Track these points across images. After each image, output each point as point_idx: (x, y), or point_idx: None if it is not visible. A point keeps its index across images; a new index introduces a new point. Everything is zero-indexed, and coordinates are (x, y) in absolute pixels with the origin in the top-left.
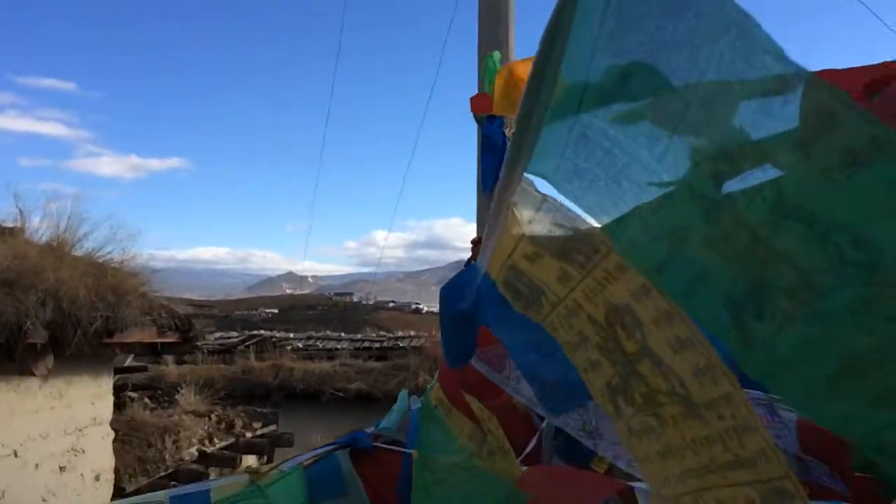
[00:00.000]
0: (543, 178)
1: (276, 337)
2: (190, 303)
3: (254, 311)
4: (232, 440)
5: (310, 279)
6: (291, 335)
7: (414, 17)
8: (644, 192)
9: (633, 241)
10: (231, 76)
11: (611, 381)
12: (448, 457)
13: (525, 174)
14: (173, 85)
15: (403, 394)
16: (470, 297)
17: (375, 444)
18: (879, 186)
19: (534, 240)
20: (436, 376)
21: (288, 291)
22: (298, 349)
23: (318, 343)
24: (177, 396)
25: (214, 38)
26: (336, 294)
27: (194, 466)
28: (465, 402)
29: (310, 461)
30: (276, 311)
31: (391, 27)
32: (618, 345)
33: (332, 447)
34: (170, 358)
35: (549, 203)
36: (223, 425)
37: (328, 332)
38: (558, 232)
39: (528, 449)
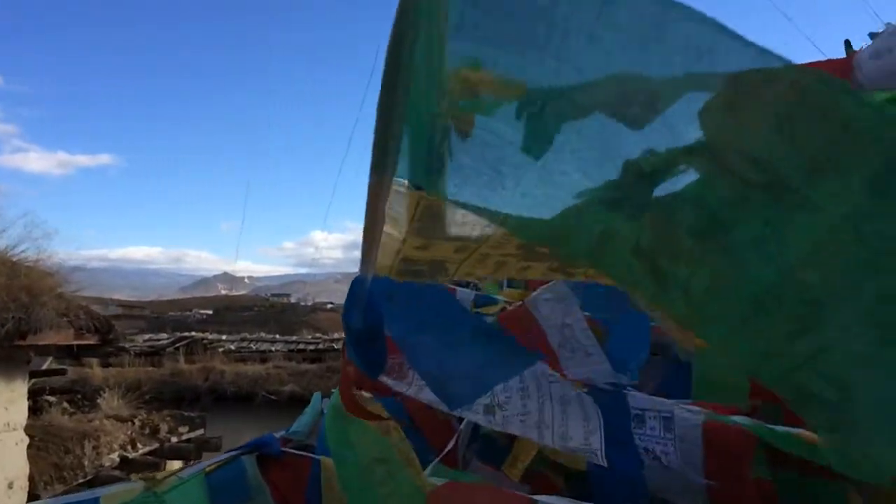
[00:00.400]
0: (413, 179)
1: (207, 338)
2: (120, 303)
3: (188, 312)
4: (156, 445)
5: (246, 280)
6: (224, 337)
7: (350, 14)
8: (525, 171)
9: (521, 220)
10: (162, 72)
11: (551, 266)
12: (366, 451)
13: (394, 178)
14: (102, 81)
15: (316, 396)
16: (361, 312)
17: (284, 448)
18: (766, 111)
19: (421, 234)
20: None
21: (223, 292)
22: (230, 351)
23: (251, 345)
24: (99, 400)
25: (143, 35)
26: (273, 295)
27: (115, 473)
28: (367, 413)
29: (212, 467)
30: (210, 312)
31: (328, 27)
32: (542, 255)
33: (236, 452)
34: (94, 361)
35: (427, 199)
36: (147, 430)
37: (262, 334)
38: (440, 224)
39: (447, 450)
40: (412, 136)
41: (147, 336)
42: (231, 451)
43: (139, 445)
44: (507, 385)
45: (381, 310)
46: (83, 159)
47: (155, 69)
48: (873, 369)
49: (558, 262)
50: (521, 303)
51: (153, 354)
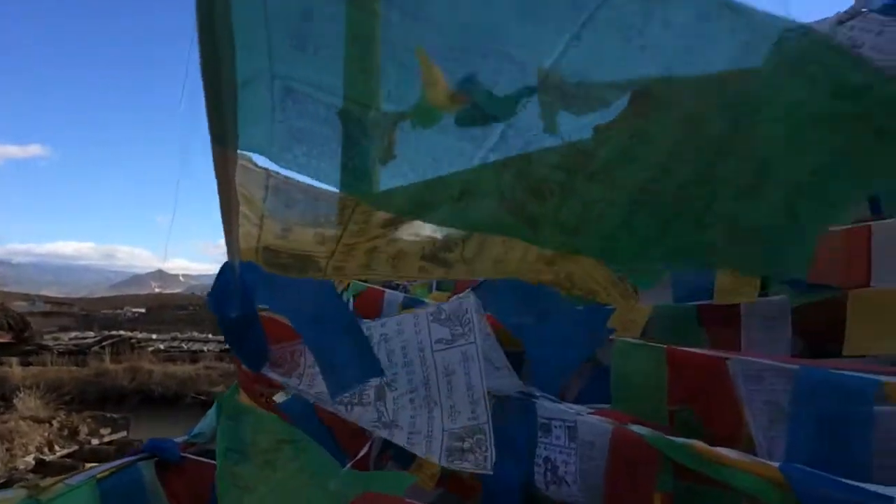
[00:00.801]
0: (259, 152)
1: (136, 338)
2: (48, 300)
3: (119, 311)
4: (75, 448)
5: (181, 277)
6: (154, 336)
7: None
8: (375, 133)
9: (381, 191)
10: (98, 62)
11: (423, 255)
12: (268, 437)
13: (239, 151)
14: (33, 69)
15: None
16: (236, 298)
17: (185, 454)
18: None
19: (275, 217)
20: (235, 382)
21: (156, 290)
22: (160, 351)
23: (182, 344)
24: (15, 401)
25: (78, 24)
26: (208, 293)
27: (30, 476)
28: (268, 403)
29: (105, 473)
30: (143, 310)
31: None
32: (411, 233)
33: (132, 457)
34: (14, 360)
35: (275, 178)
36: (66, 432)
37: (194, 334)
38: (297, 205)
39: (360, 455)
40: (247, 101)
41: (73, 334)
42: (126, 456)
43: (57, 448)
44: (392, 361)
45: (255, 296)
46: (12, 150)
47: (91, 59)
48: (752, 202)
49: (430, 249)
50: None
51: (78, 353)
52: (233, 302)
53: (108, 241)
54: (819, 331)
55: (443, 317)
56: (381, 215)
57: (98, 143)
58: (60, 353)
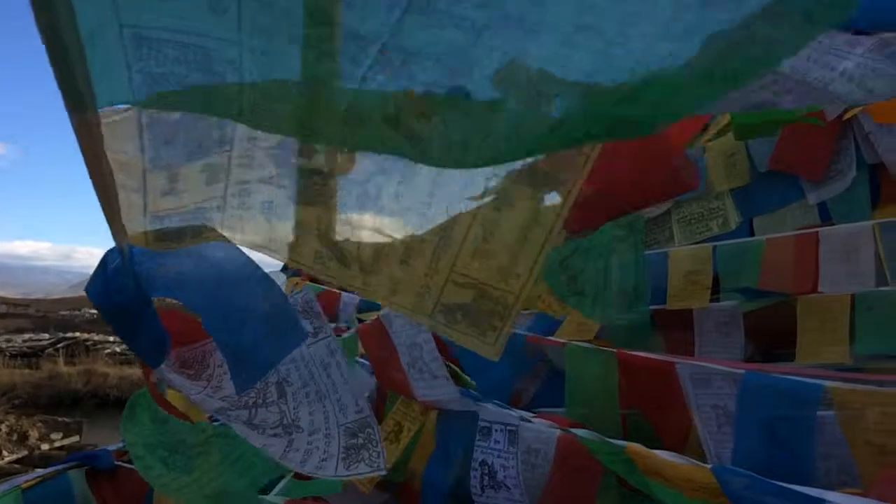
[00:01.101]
0: (122, 103)
1: (91, 340)
2: (3, 301)
3: (77, 312)
4: (25, 453)
5: None
6: (111, 338)
7: None
8: (235, 69)
9: (263, 108)
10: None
11: (320, 224)
12: (198, 436)
13: (98, 111)
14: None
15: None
16: (126, 283)
17: (118, 462)
18: None
19: (158, 164)
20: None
21: None
22: (116, 353)
23: None
24: None
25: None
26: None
27: None
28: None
29: (31, 482)
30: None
31: None
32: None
33: (62, 466)
34: None
35: (147, 116)
36: (15, 436)
37: None
38: (178, 133)
39: None
40: (95, 55)
41: (27, 336)
42: (56, 464)
43: (6, 453)
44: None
45: (148, 282)
46: None
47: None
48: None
49: (325, 230)
50: (377, 317)
51: (31, 356)
52: (125, 290)
53: (65, 242)
54: (770, 335)
55: (299, 310)
56: (267, 141)
57: (58, 141)
58: (13, 356)
